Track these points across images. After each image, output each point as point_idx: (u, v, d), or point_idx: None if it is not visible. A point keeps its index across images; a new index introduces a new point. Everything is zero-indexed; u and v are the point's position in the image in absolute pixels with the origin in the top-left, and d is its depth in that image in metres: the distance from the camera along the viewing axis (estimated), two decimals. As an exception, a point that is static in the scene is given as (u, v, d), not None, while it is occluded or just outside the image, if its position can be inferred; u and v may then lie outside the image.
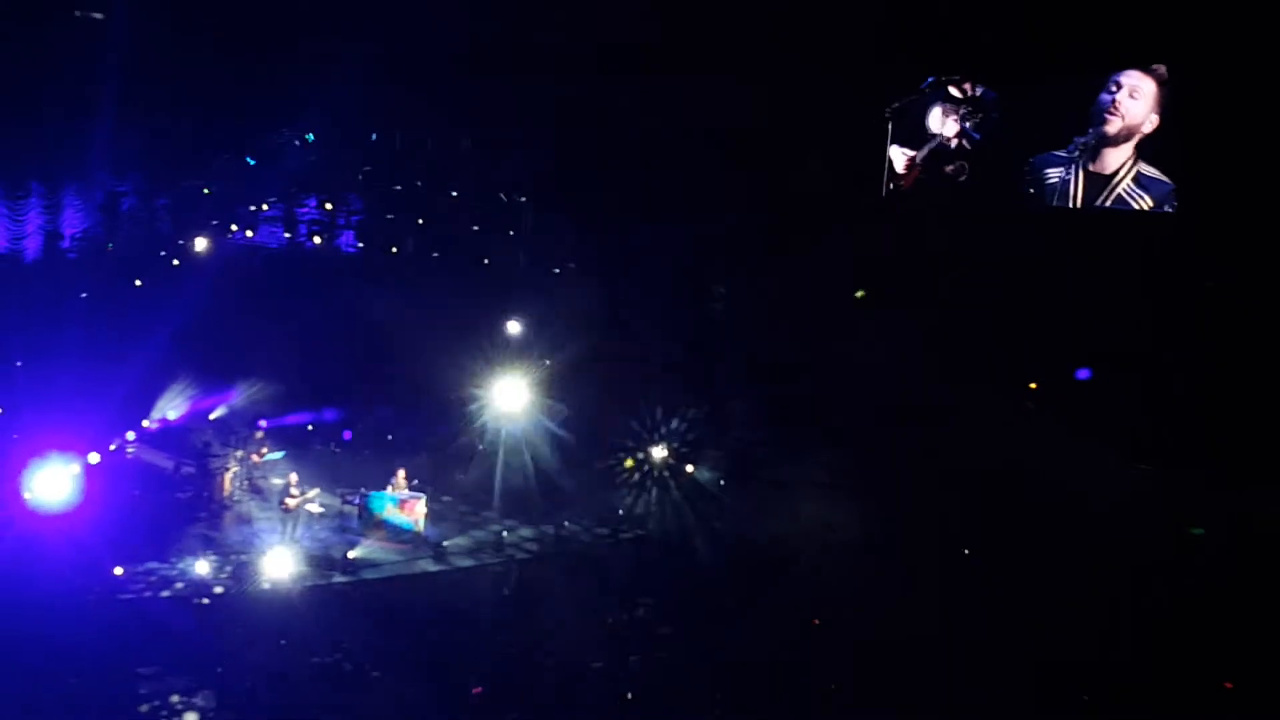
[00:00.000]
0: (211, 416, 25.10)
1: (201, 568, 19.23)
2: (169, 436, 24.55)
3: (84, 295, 25.68)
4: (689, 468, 24.10)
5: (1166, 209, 19.14)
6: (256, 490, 23.34)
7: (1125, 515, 19.57)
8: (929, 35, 21.28)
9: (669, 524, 23.04)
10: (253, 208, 27.03)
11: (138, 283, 25.95)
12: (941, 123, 20.75)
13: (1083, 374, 20.78)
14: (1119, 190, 19.57)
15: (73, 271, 26.15)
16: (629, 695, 16.49)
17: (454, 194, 27.85)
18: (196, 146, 27.04)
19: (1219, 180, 18.38)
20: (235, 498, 22.92)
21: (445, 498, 23.38)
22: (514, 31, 23.90)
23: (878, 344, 22.43)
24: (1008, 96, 20.51)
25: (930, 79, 20.65)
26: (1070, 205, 20.10)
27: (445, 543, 21.65)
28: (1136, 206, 19.34)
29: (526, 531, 22.46)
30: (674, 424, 24.26)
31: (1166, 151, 19.10)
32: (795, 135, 23.48)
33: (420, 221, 27.64)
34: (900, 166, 21.11)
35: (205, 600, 18.17)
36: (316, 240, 27.38)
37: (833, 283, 23.95)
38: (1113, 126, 19.42)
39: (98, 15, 19.85)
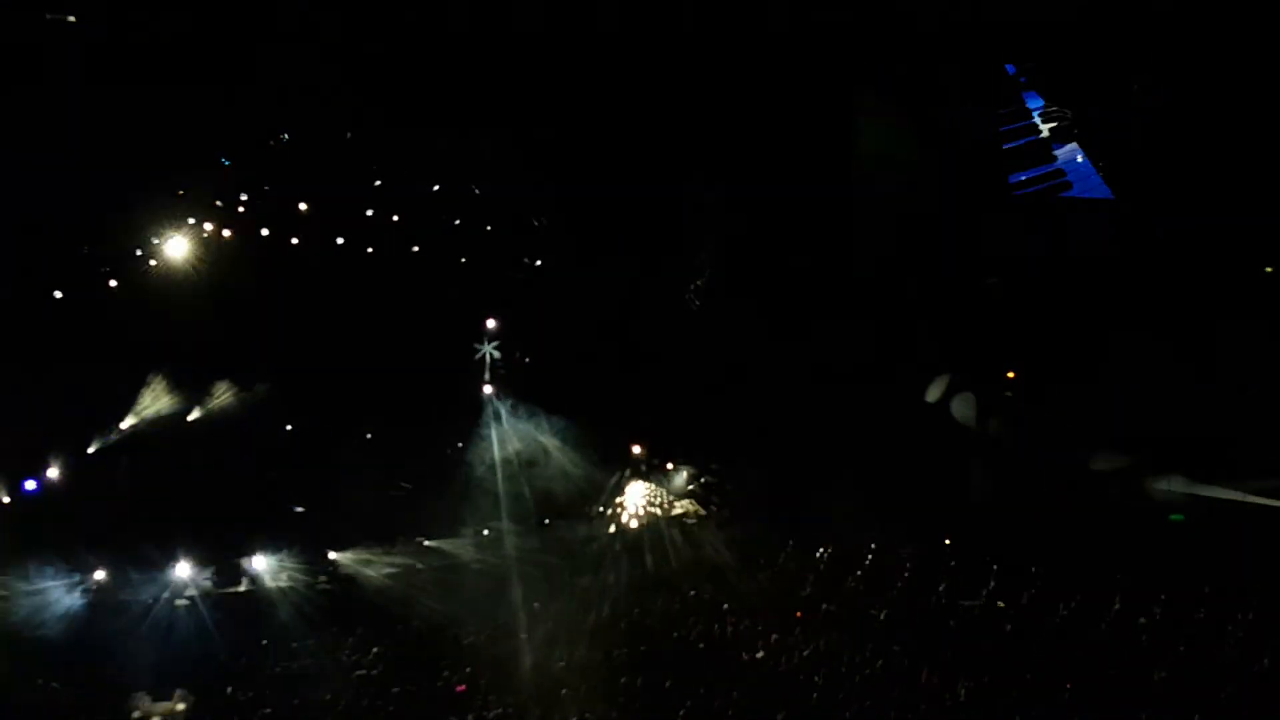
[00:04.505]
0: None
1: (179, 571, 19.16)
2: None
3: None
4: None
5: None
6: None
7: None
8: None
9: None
10: (220, 204, 26.65)
11: (113, 283, 25.55)
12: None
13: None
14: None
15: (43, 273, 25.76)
16: None
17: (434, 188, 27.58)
18: (168, 144, 26.74)
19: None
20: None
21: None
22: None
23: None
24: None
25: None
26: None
27: (427, 542, 21.68)
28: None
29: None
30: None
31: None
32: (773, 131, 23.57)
33: (395, 218, 27.35)
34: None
35: (184, 602, 18.10)
36: (294, 241, 27.07)
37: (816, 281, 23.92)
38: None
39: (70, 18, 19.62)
